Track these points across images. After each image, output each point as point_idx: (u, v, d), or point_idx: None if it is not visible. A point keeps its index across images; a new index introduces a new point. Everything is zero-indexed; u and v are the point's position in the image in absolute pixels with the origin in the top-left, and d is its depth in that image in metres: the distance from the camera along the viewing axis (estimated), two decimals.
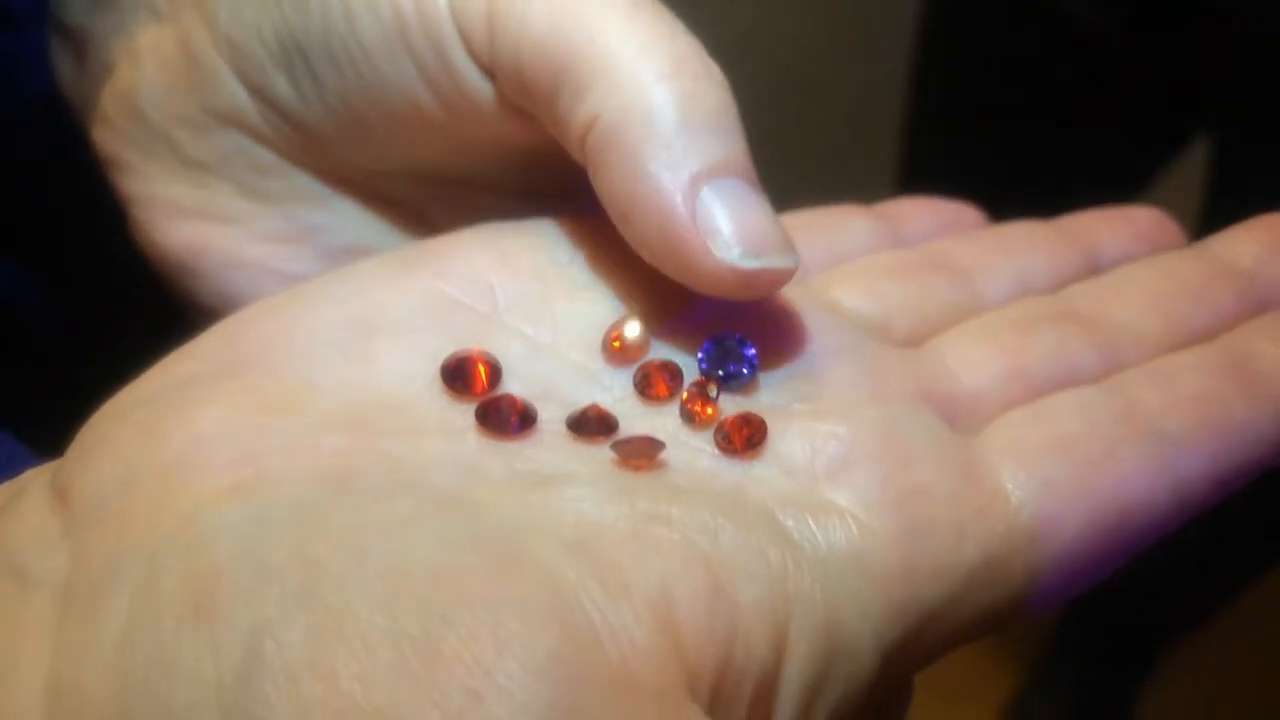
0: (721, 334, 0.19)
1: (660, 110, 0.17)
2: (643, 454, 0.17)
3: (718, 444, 0.17)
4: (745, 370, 0.18)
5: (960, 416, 0.19)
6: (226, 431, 0.16)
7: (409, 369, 0.17)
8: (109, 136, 0.22)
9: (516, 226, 0.20)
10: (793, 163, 0.81)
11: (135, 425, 0.16)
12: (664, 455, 0.17)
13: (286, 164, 0.21)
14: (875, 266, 0.21)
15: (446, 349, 0.18)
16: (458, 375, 0.17)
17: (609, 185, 0.18)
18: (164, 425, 0.16)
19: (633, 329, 0.18)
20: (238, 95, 0.21)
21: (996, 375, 0.19)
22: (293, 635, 0.13)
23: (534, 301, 0.19)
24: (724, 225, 0.17)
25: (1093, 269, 0.22)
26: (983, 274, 0.22)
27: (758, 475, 0.17)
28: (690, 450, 0.17)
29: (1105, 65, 0.53)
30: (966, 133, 0.60)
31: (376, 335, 0.18)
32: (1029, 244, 0.22)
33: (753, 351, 0.18)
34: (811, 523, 0.16)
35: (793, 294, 0.20)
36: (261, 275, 0.22)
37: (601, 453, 0.17)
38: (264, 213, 0.21)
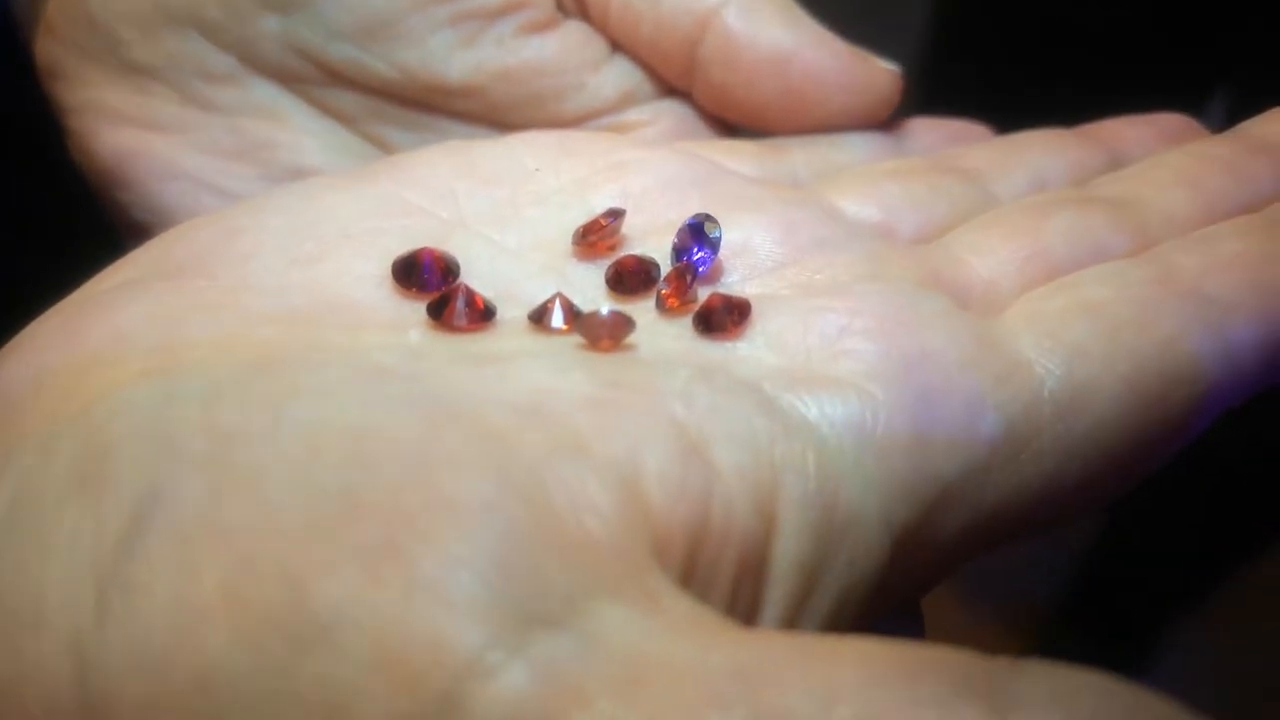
0: (693, 218, 0.17)
1: None
2: (610, 332, 0.15)
3: (695, 328, 0.15)
4: (705, 252, 0.16)
5: (974, 303, 0.17)
6: (148, 325, 0.14)
7: (359, 271, 0.16)
8: (51, 46, 0.21)
9: (483, 141, 0.19)
10: None
11: (54, 326, 0.15)
12: (636, 339, 0.15)
13: (242, 69, 0.20)
14: (877, 170, 0.20)
15: (401, 251, 0.16)
16: (408, 272, 0.16)
17: (755, 48, 0.19)
18: (83, 323, 0.15)
19: (604, 220, 0.17)
20: None
21: (1012, 258, 0.17)
22: (186, 494, 0.11)
23: (500, 207, 0.17)
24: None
25: (1115, 168, 0.20)
26: (995, 175, 0.20)
27: (743, 355, 0.15)
28: (666, 338, 0.15)
29: (1123, 16, 0.51)
30: (982, 77, 0.58)
31: (326, 240, 0.16)
32: (1046, 146, 0.20)
33: (719, 233, 0.17)
34: (805, 393, 0.14)
35: (785, 196, 0.18)
36: (199, 189, 0.20)
37: (566, 341, 0.15)
38: (208, 123, 0.20)
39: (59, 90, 0.21)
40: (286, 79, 0.20)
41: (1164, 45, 0.53)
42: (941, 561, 0.15)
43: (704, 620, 0.11)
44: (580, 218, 0.17)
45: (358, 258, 0.16)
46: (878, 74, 0.20)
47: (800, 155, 0.20)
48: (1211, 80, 0.56)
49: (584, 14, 0.21)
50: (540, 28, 0.20)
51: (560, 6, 0.21)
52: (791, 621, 0.13)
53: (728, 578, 0.12)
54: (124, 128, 0.20)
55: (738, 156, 0.20)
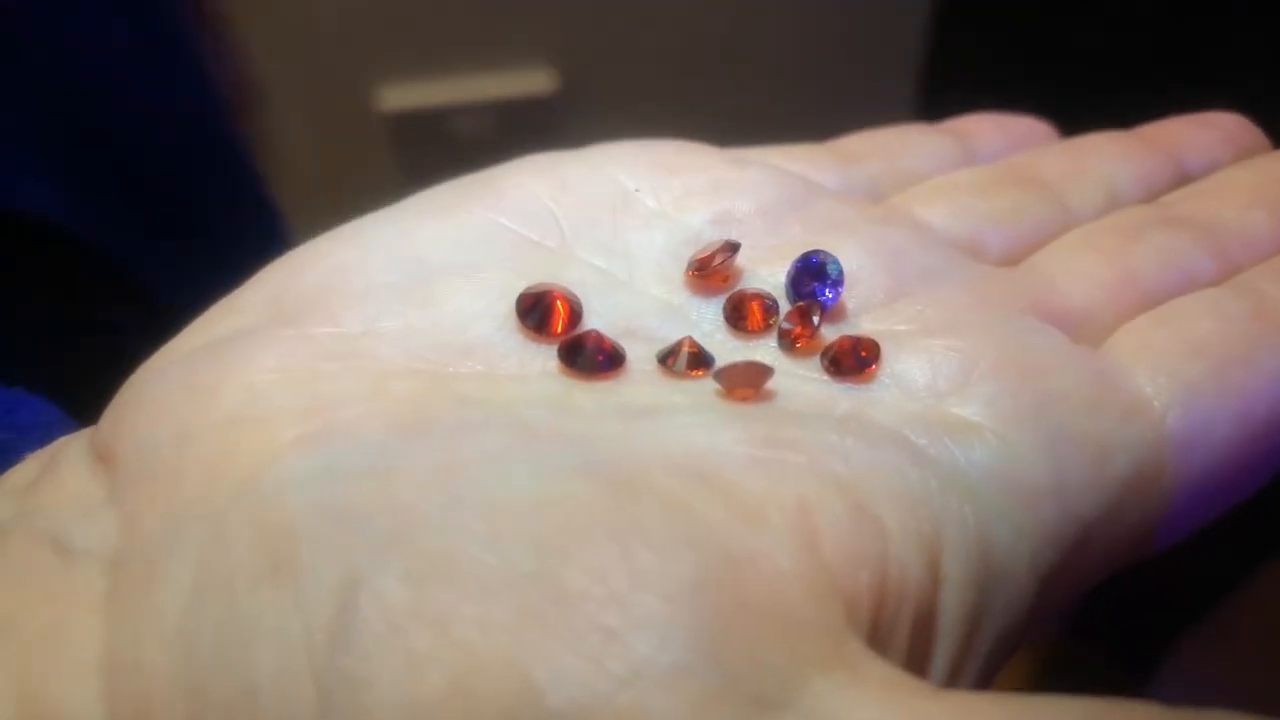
0: (809, 253, 0.17)
1: None
2: (749, 381, 0.15)
3: (826, 370, 0.16)
4: (830, 291, 0.17)
5: (1075, 331, 0.17)
6: (285, 381, 0.14)
7: (478, 309, 0.16)
8: None
9: (573, 154, 0.18)
10: (810, 87, 0.81)
11: (181, 381, 0.14)
12: (771, 384, 0.15)
13: None
14: (957, 183, 0.20)
15: (516, 286, 0.16)
16: (535, 313, 0.16)
17: None
18: (215, 378, 0.14)
19: (720, 255, 0.17)
20: None
21: (1107, 285, 0.18)
22: (389, 582, 0.11)
23: (603, 232, 0.17)
24: None
25: (1182, 177, 0.21)
26: (1070, 187, 0.20)
27: (875, 398, 0.15)
28: (797, 379, 0.16)
29: (1119, 33, 0.52)
30: (980, 93, 0.59)
31: (436, 275, 0.16)
32: (1114, 154, 0.21)
33: (839, 270, 0.17)
34: (948, 440, 0.14)
35: (877, 216, 0.19)
36: None
37: (700, 386, 0.15)
38: None
39: None
40: None
41: (1159, 62, 0.54)
42: (1072, 597, 0.15)
43: (902, 684, 0.11)
44: (684, 242, 0.17)
45: (473, 295, 0.16)
46: None
47: (877, 164, 0.21)
48: (1207, 96, 0.57)
49: None
50: None
51: None
52: (958, 669, 0.13)
53: (904, 635, 0.13)
54: None
55: (818, 167, 0.20)
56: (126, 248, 0.36)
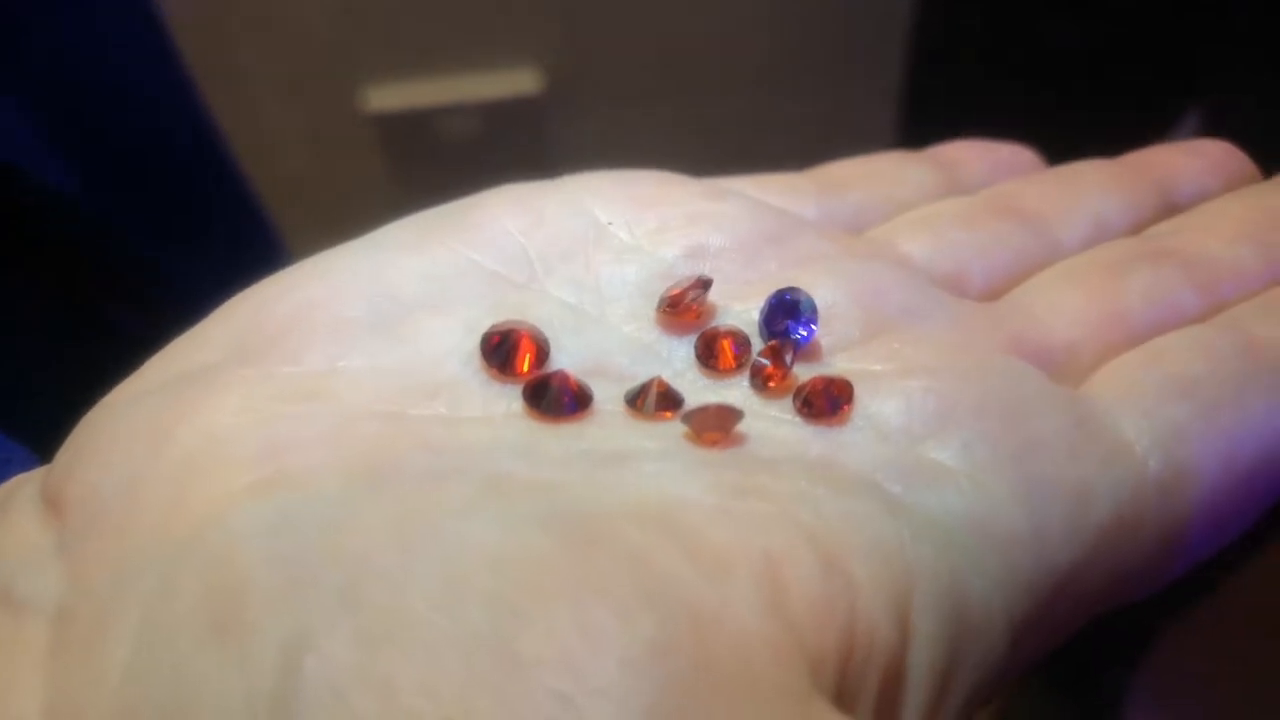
0: (783, 290, 0.17)
1: None
2: (719, 425, 0.15)
3: (798, 411, 0.15)
4: (804, 329, 0.16)
5: (1057, 369, 0.17)
6: (245, 424, 0.14)
7: (444, 346, 0.15)
8: None
9: (544, 186, 0.18)
10: (794, 87, 0.80)
11: (137, 421, 0.14)
12: (741, 426, 0.15)
13: None
14: (941, 214, 0.20)
15: (484, 322, 0.16)
16: (500, 351, 0.15)
17: None
18: (171, 420, 0.14)
19: (692, 292, 0.16)
20: None
21: (1091, 322, 0.17)
22: (336, 644, 0.11)
23: (576, 267, 0.17)
24: None
25: (1170, 207, 0.21)
26: (1057, 218, 0.20)
27: (849, 441, 0.15)
28: (768, 421, 0.15)
29: (1098, 36, 0.52)
30: (962, 96, 0.58)
31: (406, 311, 0.16)
32: (1101, 184, 0.21)
33: (813, 306, 0.16)
34: (922, 486, 0.14)
35: (857, 250, 0.18)
36: None
37: (669, 428, 0.15)
38: None
39: None
40: None
41: (1137, 65, 0.53)
42: (1049, 646, 0.15)
43: None
44: (657, 277, 0.17)
45: (440, 333, 0.16)
46: None
47: (858, 194, 0.20)
48: (1183, 99, 0.57)
49: None
50: None
51: None
52: None
53: (873, 690, 0.13)
54: None
55: (798, 197, 0.20)
56: (131, 239, 0.36)
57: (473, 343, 0.15)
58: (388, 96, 0.81)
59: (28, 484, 0.15)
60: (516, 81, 0.80)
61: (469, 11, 0.77)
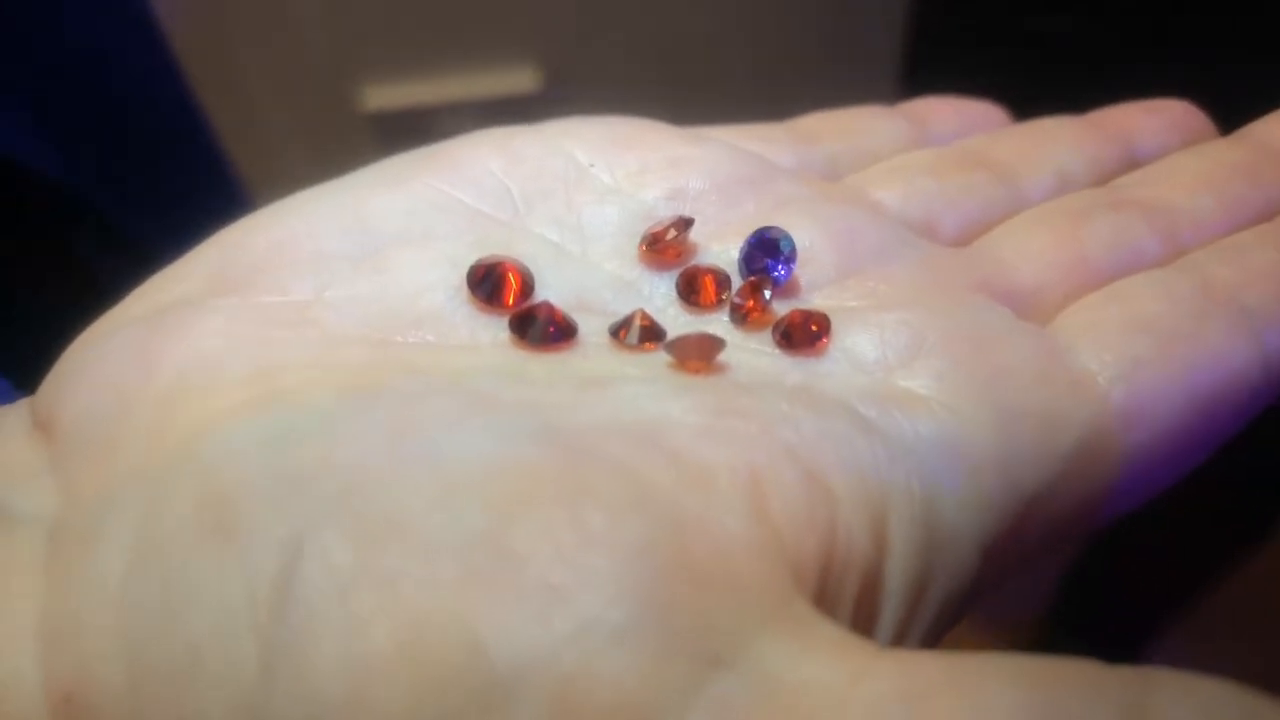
0: (762, 229, 0.17)
1: None
2: (701, 353, 0.15)
3: (777, 343, 0.16)
4: (782, 267, 0.17)
5: (1024, 309, 0.17)
6: (234, 347, 0.14)
7: (429, 279, 0.16)
8: None
9: (525, 129, 0.19)
10: (792, 85, 0.81)
11: (125, 346, 0.14)
12: (722, 357, 0.15)
13: None
14: (912, 164, 0.20)
15: (468, 257, 0.16)
16: (486, 284, 0.16)
17: None
18: (159, 344, 0.14)
19: (673, 230, 0.17)
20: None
21: (1057, 265, 0.18)
22: (334, 542, 0.11)
23: (557, 206, 0.17)
24: None
25: (1132, 162, 0.21)
26: (1023, 170, 0.20)
27: (825, 371, 0.15)
28: (749, 352, 0.16)
29: (1094, 26, 0.52)
30: (957, 81, 0.59)
31: (387, 245, 0.16)
32: (1066, 138, 0.21)
33: (791, 246, 0.17)
34: (896, 412, 0.14)
35: (832, 194, 0.19)
36: None
37: (652, 358, 0.15)
38: None
39: None
40: None
41: (1133, 55, 0.54)
42: (1015, 567, 0.15)
43: (851, 645, 0.11)
44: (638, 218, 0.17)
45: (424, 266, 0.16)
46: None
47: (833, 144, 0.21)
48: (1178, 89, 0.57)
49: None
50: None
51: None
52: (902, 634, 0.14)
53: (850, 599, 0.13)
54: None
55: (775, 146, 0.20)
56: (110, 211, 0.37)
57: (457, 276, 0.16)
58: (385, 95, 0.81)
59: (14, 411, 0.15)
60: (514, 80, 0.80)
61: (467, 10, 0.77)
